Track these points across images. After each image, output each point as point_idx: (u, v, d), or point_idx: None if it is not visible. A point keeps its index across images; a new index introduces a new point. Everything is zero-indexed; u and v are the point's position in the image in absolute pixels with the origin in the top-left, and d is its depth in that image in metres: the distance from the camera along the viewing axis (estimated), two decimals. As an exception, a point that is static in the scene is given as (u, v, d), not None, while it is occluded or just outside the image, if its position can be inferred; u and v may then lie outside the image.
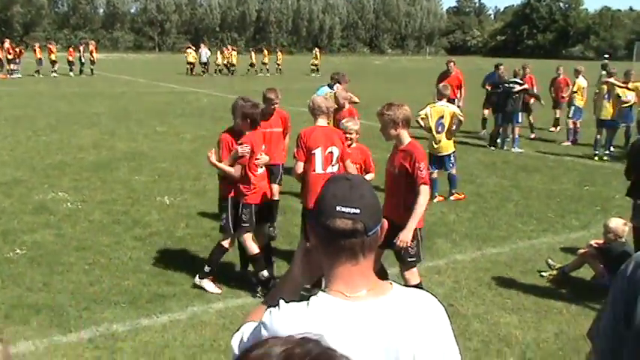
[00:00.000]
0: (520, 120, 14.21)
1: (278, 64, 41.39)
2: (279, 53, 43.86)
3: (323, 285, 1.75)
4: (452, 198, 9.74)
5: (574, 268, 6.46)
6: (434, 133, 9.40)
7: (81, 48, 37.78)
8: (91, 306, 5.59)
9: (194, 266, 6.49)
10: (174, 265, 6.66)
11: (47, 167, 11.24)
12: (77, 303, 5.64)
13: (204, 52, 39.48)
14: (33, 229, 7.69)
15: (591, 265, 6.38)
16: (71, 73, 34.81)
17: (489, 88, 15.26)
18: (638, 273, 1.90)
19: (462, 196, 9.84)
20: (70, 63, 35.14)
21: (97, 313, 5.45)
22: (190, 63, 38.65)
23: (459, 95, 14.64)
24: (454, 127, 9.46)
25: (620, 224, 6.29)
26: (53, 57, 34.17)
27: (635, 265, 1.94)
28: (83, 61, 36.09)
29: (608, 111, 13.46)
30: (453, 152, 9.68)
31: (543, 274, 6.58)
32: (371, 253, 1.71)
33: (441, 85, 10.20)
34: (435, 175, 9.25)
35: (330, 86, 10.12)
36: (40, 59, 34.62)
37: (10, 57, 33.56)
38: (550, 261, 6.77)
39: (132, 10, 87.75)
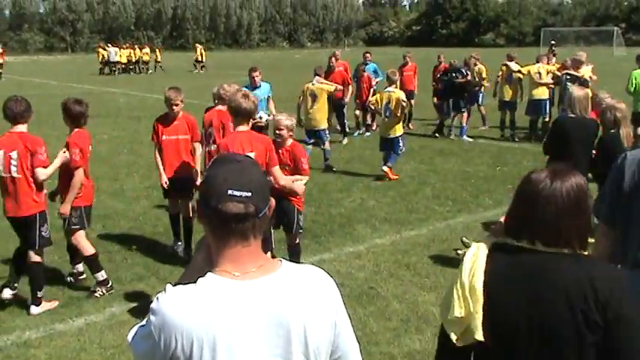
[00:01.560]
0: (464, 108, 14.13)
1: (158, 62, 40.31)
2: (158, 51, 42.75)
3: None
4: (384, 168, 10.14)
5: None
6: (382, 116, 10.22)
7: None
8: (1, 316, 5.37)
9: (111, 266, 6.34)
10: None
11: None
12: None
13: (113, 51, 38.58)
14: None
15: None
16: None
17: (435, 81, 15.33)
18: (623, 162, 3.03)
19: (394, 176, 10.19)
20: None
21: (7, 322, 5.26)
22: (103, 62, 37.59)
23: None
24: (399, 112, 10.04)
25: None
26: None
27: (622, 157, 3.07)
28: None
29: (508, 93, 14.09)
30: (401, 135, 10.32)
31: (459, 251, 6.77)
32: (260, 233, 1.72)
33: (389, 71, 10.80)
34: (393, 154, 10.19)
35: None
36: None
37: None
38: (464, 239, 6.98)
39: (40, 11, 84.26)
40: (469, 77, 14.19)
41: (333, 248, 6.99)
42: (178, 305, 1.62)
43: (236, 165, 1.69)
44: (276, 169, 5.23)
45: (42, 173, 5.46)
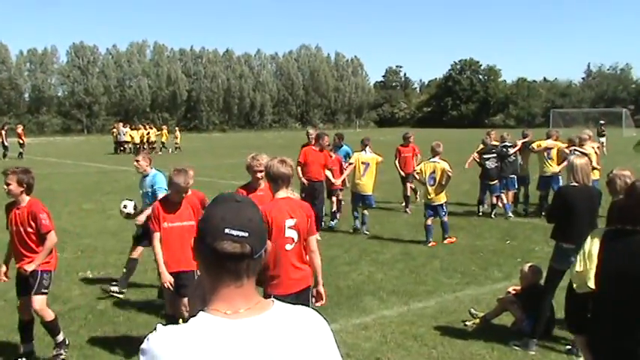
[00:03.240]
0: (516, 185, 14.13)
1: (177, 144, 41.18)
2: (177, 131, 43.56)
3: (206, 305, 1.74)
4: (445, 242, 10.94)
5: (495, 315, 6.61)
6: (427, 185, 10.81)
7: (3, 132, 36.89)
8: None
9: (116, 338, 6.29)
10: (94, 338, 6.44)
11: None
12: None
13: (122, 131, 39.85)
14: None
15: (511, 311, 6.55)
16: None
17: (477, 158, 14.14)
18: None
19: (454, 239, 11.07)
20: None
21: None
22: (117, 142, 38.56)
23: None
24: (444, 181, 10.75)
25: (535, 269, 6.54)
26: None
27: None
28: (6, 144, 35.23)
29: (523, 168, 14.19)
30: (445, 202, 11.04)
31: (467, 323, 6.69)
32: (254, 274, 1.72)
33: (433, 143, 11.26)
34: (429, 222, 10.89)
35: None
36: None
37: None
38: (473, 310, 6.90)
39: (59, 94, 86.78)
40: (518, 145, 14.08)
41: (339, 319, 6.91)
42: (168, 344, 1.61)
43: (235, 204, 1.71)
44: (314, 239, 4.93)
45: None
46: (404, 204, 14.74)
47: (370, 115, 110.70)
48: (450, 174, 10.80)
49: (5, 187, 5.65)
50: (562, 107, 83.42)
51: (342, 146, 13.84)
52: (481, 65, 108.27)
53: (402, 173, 14.63)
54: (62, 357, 5.80)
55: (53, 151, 42.43)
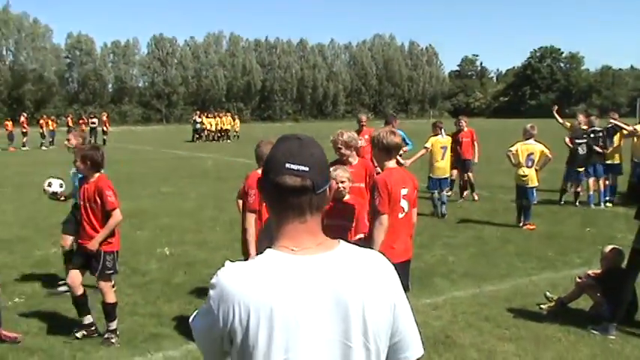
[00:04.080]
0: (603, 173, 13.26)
1: (236, 131, 42.33)
2: (237, 120, 44.59)
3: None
4: (524, 227, 10.81)
5: (572, 298, 6.40)
6: (523, 167, 10.74)
7: (90, 121, 38.90)
8: (85, 347, 5.59)
9: (191, 309, 6.48)
10: (171, 308, 6.67)
11: (50, 226, 11.29)
12: (72, 345, 5.63)
13: (197, 119, 41.10)
14: (32, 280, 7.73)
15: (590, 294, 6.33)
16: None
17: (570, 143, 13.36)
18: None
19: (534, 226, 10.82)
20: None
21: (91, 353, 5.44)
22: (196, 130, 39.72)
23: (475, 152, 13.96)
24: (542, 163, 10.82)
25: (617, 251, 6.29)
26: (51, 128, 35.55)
27: None
28: (105, 130, 37.35)
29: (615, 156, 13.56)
30: (536, 186, 10.98)
31: (542, 306, 6.52)
32: (319, 211, 1.72)
33: (527, 125, 11.23)
34: (524, 203, 10.94)
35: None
36: (45, 132, 35.65)
37: (24, 131, 34.63)
38: (548, 293, 6.71)
39: (139, 85, 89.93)
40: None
41: (410, 298, 6.81)
42: (236, 277, 1.64)
43: (297, 141, 1.72)
44: (416, 211, 5.07)
45: None
46: (466, 192, 14.04)
47: (444, 105, 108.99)
48: (549, 156, 10.78)
49: (73, 164, 5.88)
50: (649, 96, 79.42)
51: None
52: (562, 53, 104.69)
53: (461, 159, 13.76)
54: (112, 341, 5.66)
55: (134, 139, 44.02)
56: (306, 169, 1.66)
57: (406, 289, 4.94)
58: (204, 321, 1.72)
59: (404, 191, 4.85)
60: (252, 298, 1.61)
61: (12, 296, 7.08)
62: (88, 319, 5.84)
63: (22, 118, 36.30)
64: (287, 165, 1.66)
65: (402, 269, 4.70)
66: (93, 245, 5.64)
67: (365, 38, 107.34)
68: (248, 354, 1.62)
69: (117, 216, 5.70)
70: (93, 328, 5.83)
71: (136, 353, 5.43)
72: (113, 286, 6.20)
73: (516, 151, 10.92)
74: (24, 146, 34.12)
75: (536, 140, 10.94)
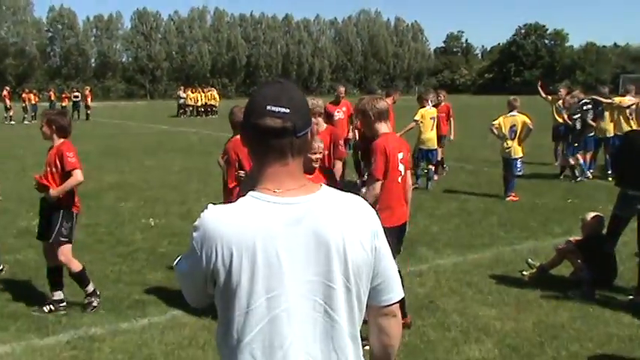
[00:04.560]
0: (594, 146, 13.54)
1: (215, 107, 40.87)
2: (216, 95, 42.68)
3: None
4: (508, 199, 10.87)
5: (553, 265, 6.50)
6: (507, 139, 10.86)
7: (72, 95, 38.47)
8: (70, 313, 5.59)
9: (175, 278, 6.50)
10: (155, 276, 6.69)
11: (33, 198, 11.11)
12: (56, 312, 5.63)
13: (181, 94, 40.62)
14: (15, 250, 7.71)
15: (570, 260, 6.42)
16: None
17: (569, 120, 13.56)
18: None
19: (517, 197, 10.91)
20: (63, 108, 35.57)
21: (75, 319, 5.45)
22: (180, 105, 39.34)
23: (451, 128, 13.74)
24: (524, 135, 10.81)
25: (598, 218, 6.38)
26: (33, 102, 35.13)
27: None
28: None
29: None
30: (521, 157, 11.04)
31: (524, 272, 6.61)
32: (300, 155, 1.73)
33: (510, 97, 11.41)
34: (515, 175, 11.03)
35: None
36: (27, 106, 35.22)
37: (7, 105, 34.18)
38: (530, 260, 6.81)
39: (123, 60, 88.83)
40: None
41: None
42: (219, 218, 1.66)
43: (278, 85, 1.73)
44: (409, 174, 5.23)
45: None
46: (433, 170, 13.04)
47: (430, 82, 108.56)
48: (530, 127, 10.83)
49: (40, 129, 5.72)
50: (633, 73, 79.85)
51: None
52: (547, 30, 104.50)
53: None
54: (94, 305, 5.63)
55: (117, 114, 43.59)
56: (287, 111, 1.66)
57: (398, 252, 5.00)
58: (187, 262, 1.73)
59: (400, 155, 4.91)
60: (234, 238, 1.62)
61: (-5, 265, 7.05)
62: (92, 287, 5.74)
63: (5, 92, 35.73)
64: (267, 107, 1.66)
65: (400, 232, 4.96)
66: (51, 194, 5.44)
67: (351, 14, 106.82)
68: (231, 294, 1.64)
69: (77, 175, 5.44)
70: (98, 294, 5.77)
71: (121, 319, 5.45)
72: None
73: (499, 124, 11.07)
74: (9, 120, 33.68)
75: (518, 112, 11.03)
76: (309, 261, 1.65)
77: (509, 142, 10.90)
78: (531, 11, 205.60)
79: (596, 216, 6.51)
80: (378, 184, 4.77)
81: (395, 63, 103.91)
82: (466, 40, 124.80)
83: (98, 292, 5.77)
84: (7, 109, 34.30)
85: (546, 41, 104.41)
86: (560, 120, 14.14)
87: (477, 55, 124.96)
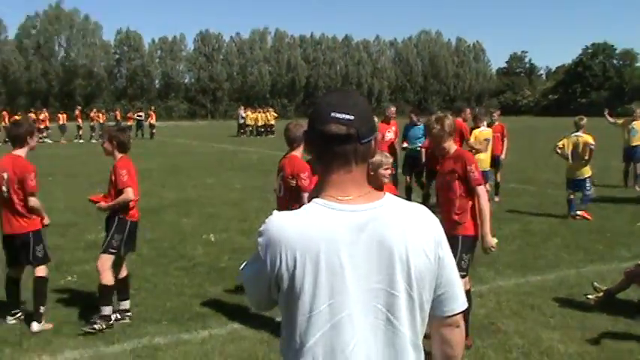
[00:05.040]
0: None
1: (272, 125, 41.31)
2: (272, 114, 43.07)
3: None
4: (579, 214, 10.80)
5: (621, 289, 6.27)
6: (570, 160, 10.78)
7: (136, 115, 39.92)
8: (134, 323, 5.76)
9: (236, 292, 6.62)
10: (216, 290, 6.81)
11: (100, 213, 11.61)
12: (122, 322, 5.80)
13: (241, 114, 41.37)
14: (84, 261, 7.97)
15: (639, 284, 6.19)
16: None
17: None
18: None
19: (589, 216, 10.78)
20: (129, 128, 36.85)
21: (140, 329, 5.61)
22: (241, 125, 40.14)
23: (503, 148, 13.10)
24: (587, 155, 10.66)
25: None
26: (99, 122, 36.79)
27: None
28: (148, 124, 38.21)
29: None
30: (589, 176, 10.88)
31: (589, 296, 6.41)
32: (364, 162, 1.74)
33: (576, 118, 11.28)
34: (572, 197, 10.90)
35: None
36: (95, 125, 36.71)
37: (78, 124, 35.69)
38: (596, 284, 6.59)
39: (185, 81, 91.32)
40: None
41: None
42: (284, 224, 1.70)
43: (341, 93, 1.77)
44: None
45: (32, 200, 5.61)
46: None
47: (491, 103, 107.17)
48: (592, 147, 10.67)
49: (101, 144, 5.92)
50: None
51: (415, 125, 12.39)
52: (616, 49, 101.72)
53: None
54: (95, 327, 5.46)
55: (180, 133, 44.74)
56: (351, 117, 1.69)
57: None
58: (252, 268, 1.78)
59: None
60: (298, 244, 1.66)
61: (65, 275, 7.34)
62: (107, 311, 5.66)
63: (77, 112, 37.44)
64: (332, 114, 1.69)
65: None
66: (101, 207, 5.73)
67: (411, 34, 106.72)
68: (294, 298, 1.67)
69: (127, 194, 5.57)
70: (110, 322, 5.65)
71: (183, 330, 5.57)
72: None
73: (562, 144, 10.95)
74: (78, 139, 35.08)
75: (583, 132, 10.86)
76: (372, 268, 1.67)
77: (574, 163, 10.78)
78: (599, 30, 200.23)
79: (666, 239, 6.27)
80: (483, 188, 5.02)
81: (455, 84, 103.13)
82: (530, 61, 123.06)
83: (110, 322, 5.61)
84: (78, 128, 35.75)
85: (615, 61, 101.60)
86: (635, 143, 13.88)
87: (541, 76, 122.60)
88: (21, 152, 5.68)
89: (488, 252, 5.19)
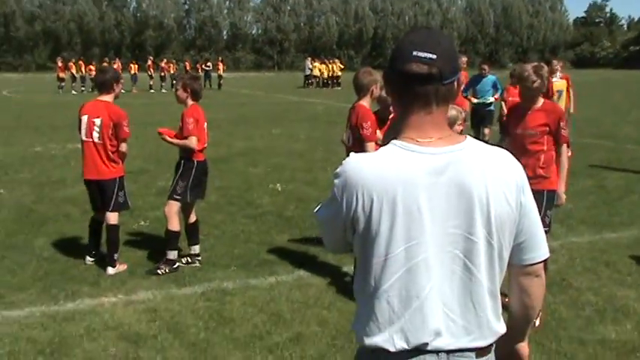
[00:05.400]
0: None
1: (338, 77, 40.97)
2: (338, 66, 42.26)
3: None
4: None
5: None
6: None
7: (204, 65, 40.34)
8: (204, 267, 5.90)
9: (302, 240, 6.69)
10: (283, 238, 6.89)
11: (170, 160, 11.83)
12: (191, 266, 5.96)
13: (308, 65, 40.98)
14: (155, 207, 8.18)
15: None
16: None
17: None
18: None
19: None
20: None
21: (209, 273, 5.74)
22: (307, 76, 39.98)
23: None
24: None
25: None
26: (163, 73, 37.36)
27: None
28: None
29: None
30: None
31: (669, 255, 6.15)
32: (445, 104, 1.67)
33: None
34: None
35: None
36: (166, 75, 37.33)
37: (150, 74, 36.52)
38: (676, 242, 6.31)
39: (252, 32, 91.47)
40: None
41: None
42: (360, 166, 1.65)
43: (425, 31, 1.68)
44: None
45: (124, 146, 5.74)
46: None
47: (567, 55, 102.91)
48: None
49: (175, 91, 5.96)
50: None
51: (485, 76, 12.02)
52: None
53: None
54: (159, 272, 5.67)
55: (246, 84, 45.08)
56: (434, 56, 1.61)
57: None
58: (328, 209, 1.74)
59: None
60: (375, 185, 1.61)
61: (138, 220, 7.58)
62: (173, 255, 5.81)
63: (149, 62, 38.13)
64: (414, 53, 1.61)
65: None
66: (165, 139, 5.79)
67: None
68: (370, 241, 1.63)
69: (191, 141, 5.64)
70: (175, 266, 5.80)
71: (251, 276, 5.67)
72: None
73: None
74: (150, 89, 35.88)
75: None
76: (451, 213, 1.61)
77: None
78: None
79: None
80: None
81: (529, 35, 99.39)
82: (610, 10, 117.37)
83: (175, 266, 5.76)
84: (150, 77, 36.51)
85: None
86: None
87: (622, 26, 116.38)
88: (108, 98, 5.75)
89: (558, 205, 5.00)
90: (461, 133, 4.67)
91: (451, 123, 4.42)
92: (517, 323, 1.84)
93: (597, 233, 7.09)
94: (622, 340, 4.31)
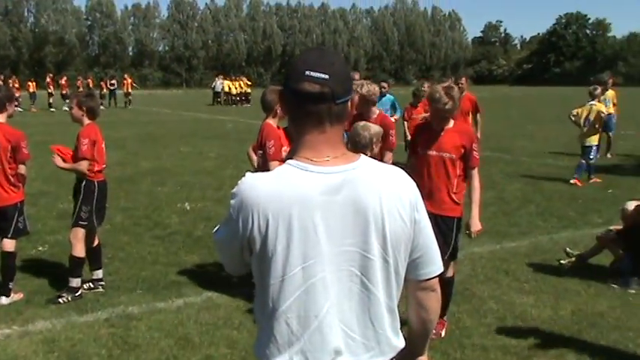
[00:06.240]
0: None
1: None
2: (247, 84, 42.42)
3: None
4: (591, 182, 11.31)
5: (593, 253, 6.38)
6: (582, 127, 11.24)
7: (109, 83, 39.08)
8: (108, 292, 5.69)
9: (211, 260, 6.58)
10: (191, 258, 6.77)
11: (72, 182, 11.41)
12: (95, 291, 5.73)
13: (219, 83, 40.87)
14: (56, 231, 7.85)
15: (611, 249, 6.29)
16: (102, 106, 35.81)
17: None
18: None
19: (600, 180, 11.40)
20: (102, 96, 36.08)
21: (113, 298, 5.54)
22: (216, 93, 39.68)
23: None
24: (597, 124, 11.15)
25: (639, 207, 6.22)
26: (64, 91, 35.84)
27: None
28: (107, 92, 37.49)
29: None
30: (597, 145, 11.43)
31: (562, 261, 6.50)
32: (339, 123, 1.68)
33: (591, 87, 11.69)
34: (582, 161, 11.37)
35: None
36: (68, 93, 35.91)
37: (50, 92, 34.96)
38: (568, 249, 6.69)
39: (159, 49, 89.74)
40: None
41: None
42: (256, 186, 1.65)
43: (317, 51, 1.70)
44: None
45: (23, 168, 5.44)
46: None
47: (467, 72, 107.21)
48: (603, 115, 11.30)
49: (69, 110, 5.69)
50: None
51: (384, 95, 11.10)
52: (589, 19, 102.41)
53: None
54: (61, 300, 5.39)
55: (154, 102, 44.10)
56: (326, 76, 1.62)
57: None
58: (225, 229, 1.73)
59: None
60: (270, 205, 1.61)
61: (37, 245, 7.22)
62: (76, 283, 5.55)
63: (48, 79, 36.36)
64: (306, 72, 1.63)
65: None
66: (57, 163, 5.52)
67: (387, 3, 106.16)
68: (267, 261, 1.63)
69: (83, 164, 5.41)
70: (78, 294, 5.54)
71: (158, 299, 5.52)
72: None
73: (577, 112, 11.40)
74: (50, 107, 34.31)
75: (597, 101, 11.38)
76: (347, 231, 1.63)
77: (585, 131, 11.19)
78: (572, 0, 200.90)
79: (637, 206, 6.34)
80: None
81: (432, 53, 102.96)
82: (505, 30, 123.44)
83: (78, 294, 5.49)
84: (49, 95, 34.95)
85: (588, 31, 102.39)
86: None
87: (516, 46, 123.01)
88: (1, 119, 5.39)
89: (472, 236, 4.82)
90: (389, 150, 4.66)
91: (375, 140, 4.40)
92: (416, 337, 1.88)
93: (497, 243, 7.40)
94: (521, 346, 4.51)
